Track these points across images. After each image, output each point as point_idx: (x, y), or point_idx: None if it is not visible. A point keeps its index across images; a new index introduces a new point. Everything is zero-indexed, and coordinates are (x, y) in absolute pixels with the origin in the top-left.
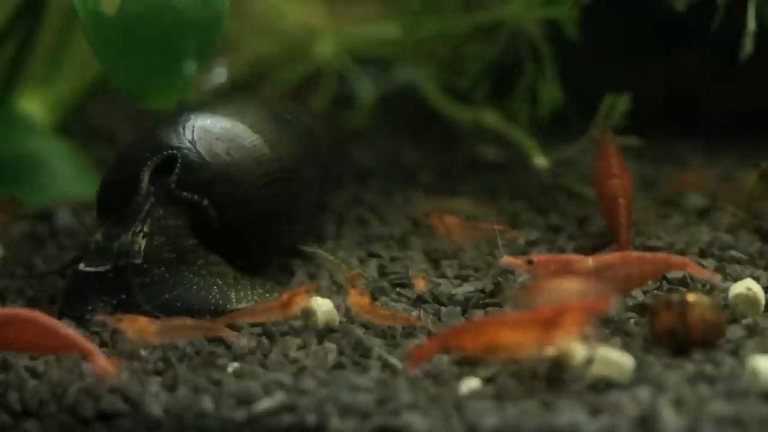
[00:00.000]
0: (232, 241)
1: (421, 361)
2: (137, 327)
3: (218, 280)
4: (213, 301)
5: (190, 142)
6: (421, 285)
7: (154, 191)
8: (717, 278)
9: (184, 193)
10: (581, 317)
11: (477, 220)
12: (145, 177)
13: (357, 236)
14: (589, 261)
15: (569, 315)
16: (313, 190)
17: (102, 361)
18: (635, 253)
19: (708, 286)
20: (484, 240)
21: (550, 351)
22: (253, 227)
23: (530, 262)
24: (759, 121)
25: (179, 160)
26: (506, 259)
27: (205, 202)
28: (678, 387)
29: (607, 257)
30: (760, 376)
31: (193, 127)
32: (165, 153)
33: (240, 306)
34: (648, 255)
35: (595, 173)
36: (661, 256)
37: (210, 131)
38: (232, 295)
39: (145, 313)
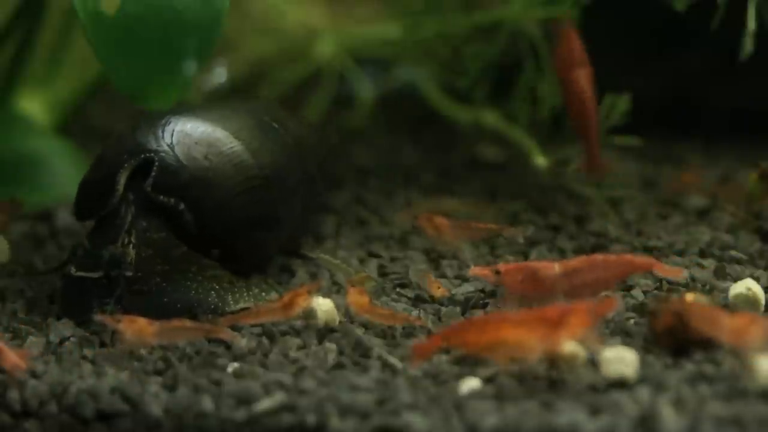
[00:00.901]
0: (212, 247)
1: (424, 358)
2: (136, 328)
3: (214, 284)
4: (212, 304)
5: (168, 145)
6: (438, 292)
7: (133, 199)
8: (684, 274)
9: (161, 197)
10: (586, 318)
11: (469, 220)
12: (122, 179)
13: (357, 236)
14: (556, 267)
15: (574, 315)
16: (297, 197)
17: (11, 357)
18: (600, 256)
19: (708, 286)
20: (477, 240)
21: (552, 351)
22: (231, 233)
23: (498, 272)
24: (759, 121)
25: (156, 163)
26: (474, 270)
27: (182, 206)
28: (678, 387)
29: (573, 262)
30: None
31: (173, 130)
32: (142, 156)
33: (238, 307)
34: (612, 257)
35: (556, 59)
36: (627, 257)
37: (189, 135)
38: (230, 297)
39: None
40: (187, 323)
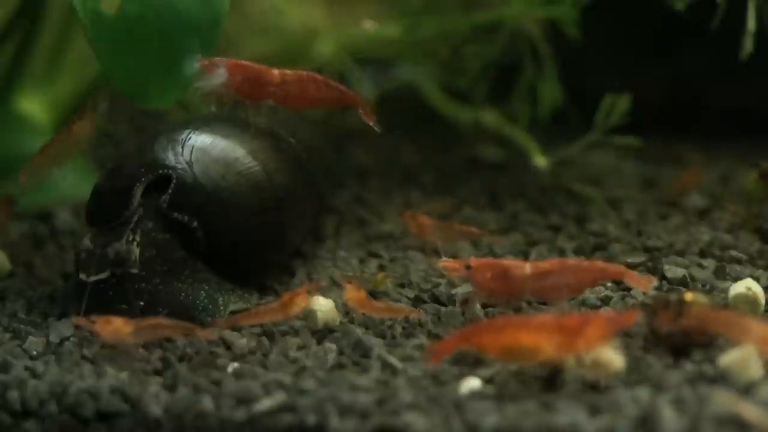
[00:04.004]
0: (221, 265)
1: (442, 356)
2: (112, 329)
3: (204, 285)
4: (201, 305)
5: (187, 162)
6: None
7: (143, 203)
8: (653, 284)
9: (175, 214)
10: (605, 330)
11: (453, 221)
12: (138, 193)
13: (357, 236)
14: (527, 267)
15: (594, 325)
16: (307, 213)
17: None
18: (573, 261)
19: (708, 286)
20: (460, 241)
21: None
22: (241, 253)
23: (468, 267)
24: (759, 121)
25: (174, 181)
26: (445, 263)
27: (194, 224)
28: (678, 387)
29: (545, 264)
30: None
31: (192, 147)
32: (160, 172)
33: (230, 308)
34: (585, 263)
35: None
36: (599, 264)
37: (208, 153)
38: (219, 298)
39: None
40: (163, 321)
